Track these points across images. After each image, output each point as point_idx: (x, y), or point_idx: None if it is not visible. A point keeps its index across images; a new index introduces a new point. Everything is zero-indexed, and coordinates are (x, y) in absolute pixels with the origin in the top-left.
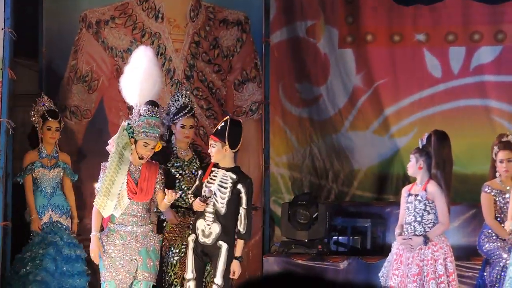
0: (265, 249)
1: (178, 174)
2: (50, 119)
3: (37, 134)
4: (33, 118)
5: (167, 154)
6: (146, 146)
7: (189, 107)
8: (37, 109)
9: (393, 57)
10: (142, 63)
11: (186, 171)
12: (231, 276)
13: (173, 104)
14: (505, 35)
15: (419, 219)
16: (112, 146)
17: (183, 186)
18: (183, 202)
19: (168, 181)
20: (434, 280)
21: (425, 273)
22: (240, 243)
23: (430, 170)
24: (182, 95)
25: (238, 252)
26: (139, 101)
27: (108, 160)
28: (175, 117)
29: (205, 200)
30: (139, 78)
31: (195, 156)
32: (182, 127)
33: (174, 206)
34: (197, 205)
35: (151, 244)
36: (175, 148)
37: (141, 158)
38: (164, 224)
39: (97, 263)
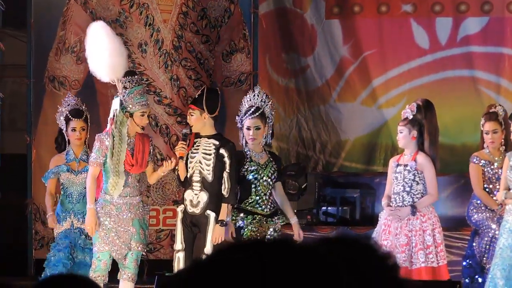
0: None
1: (253, 178)
2: (73, 118)
3: (64, 137)
4: (57, 121)
5: (241, 158)
6: (143, 115)
7: (255, 107)
8: (61, 110)
9: (380, 28)
10: (102, 40)
11: (262, 175)
12: (213, 243)
13: (244, 105)
14: (492, 6)
15: (407, 189)
16: (112, 124)
17: (259, 192)
18: (260, 208)
19: (243, 185)
20: (422, 250)
21: (414, 244)
22: (224, 207)
23: (419, 140)
24: (254, 96)
25: (221, 215)
26: (115, 76)
27: (111, 139)
28: (242, 119)
29: (184, 138)
30: (106, 54)
31: (271, 159)
32: (248, 128)
33: (250, 213)
34: (179, 148)
35: (142, 214)
36: (248, 152)
37: (142, 128)
38: (242, 232)
39: (92, 236)
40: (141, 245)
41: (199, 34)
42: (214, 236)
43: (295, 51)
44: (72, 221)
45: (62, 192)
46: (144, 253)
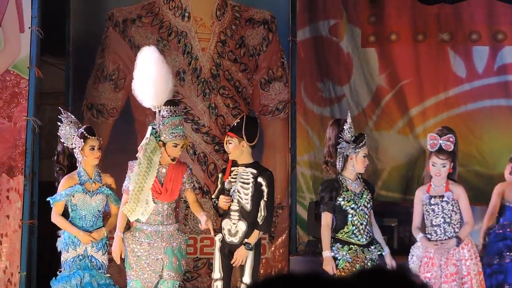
0: (291, 249)
1: (350, 208)
2: (91, 137)
3: (70, 158)
4: (64, 139)
5: (337, 188)
6: (176, 147)
7: (364, 135)
8: (68, 128)
9: (417, 56)
10: (151, 65)
11: (359, 204)
12: (232, 263)
13: (349, 132)
14: None
15: (448, 220)
16: (140, 152)
17: (355, 221)
18: (356, 239)
19: (339, 215)
20: (474, 278)
21: (465, 272)
22: (255, 233)
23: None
24: (352, 123)
25: (250, 239)
26: (157, 103)
27: (137, 166)
28: (359, 146)
29: (227, 193)
30: (151, 80)
31: (366, 187)
32: (364, 156)
33: (345, 243)
34: (222, 202)
35: (176, 243)
36: (344, 180)
37: (173, 160)
38: (336, 263)
39: (118, 263)
40: (174, 274)
41: (237, 62)
42: (236, 256)
43: (331, 80)
44: (86, 247)
45: (72, 215)
46: (180, 282)
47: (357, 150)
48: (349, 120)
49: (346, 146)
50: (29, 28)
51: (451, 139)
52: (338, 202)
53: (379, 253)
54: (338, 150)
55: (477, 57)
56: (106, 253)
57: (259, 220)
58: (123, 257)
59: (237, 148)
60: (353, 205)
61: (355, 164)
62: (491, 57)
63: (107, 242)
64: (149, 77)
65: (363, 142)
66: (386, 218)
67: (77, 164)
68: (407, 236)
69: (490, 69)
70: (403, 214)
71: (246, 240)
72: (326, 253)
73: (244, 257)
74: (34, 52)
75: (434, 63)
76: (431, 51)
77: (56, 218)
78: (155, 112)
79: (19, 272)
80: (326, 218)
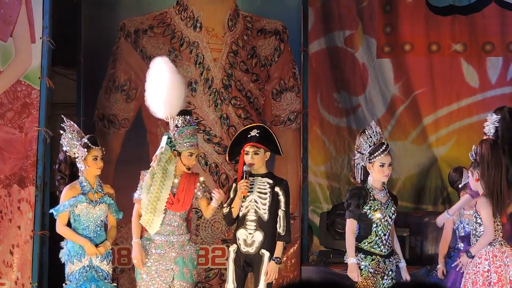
0: (303, 259)
1: (375, 218)
2: (94, 147)
3: (71, 167)
4: (71, 150)
5: (364, 196)
6: (191, 156)
7: (386, 144)
8: (71, 137)
9: (431, 66)
10: (164, 75)
11: (384, 214)
12: (265, 280)
13: (366, 142)
14: None
15: (474, 232)
16: (154, 161)
17: (379, 232)
18: (378, 249)
19: (364, 224)
20: None
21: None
22: (279, 245)
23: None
24: (374, 132)
25: (277, 253)
26: (170, 113)
27: (150, 175)
28: (373, 156)
29: (247, 176)
30: (165, 90)
31: (391, 198)
32: (382, 165)
33: (368, 253)
34: (242, 185)
35: (188, 253)
36: (371, 190)
37: (188, 169)
38: (361, 269)
39: (140, 269)
40: (185, 284)
41: (249, 72)
42: (267, 272)
43: (346, 90)
44: (91, 258)
45: (75, 226)
46: None
47: (371, 160)
48: (368, 130)
49: (359, 157)
50: (40, 38)
51: (472, 150)
52: (364, 210)
53: (397, 263)
54: (355, 161)
55: (490, 68)
56: (110, 262)
57: (281, 230)
58: (144, 262)
59: (262, 159)
60: (379, 215)
61: (373, 174)
62: (504, 67)
63: (110, 252)
64: (163, 87)
65: (379, 151)
66: (398, 228)
67: (78, 174)
68: (418, 246)
69: (503, 80)
70: (414, 224)
71: (274, 255)
72: (351, 260)
73: (276, 272)
74: (45, 62)
75: (447, 73)
76: (444, 61)
77: (61, 228)
78: (167, 123)
79: (30, 283)
80: (351, 225)
